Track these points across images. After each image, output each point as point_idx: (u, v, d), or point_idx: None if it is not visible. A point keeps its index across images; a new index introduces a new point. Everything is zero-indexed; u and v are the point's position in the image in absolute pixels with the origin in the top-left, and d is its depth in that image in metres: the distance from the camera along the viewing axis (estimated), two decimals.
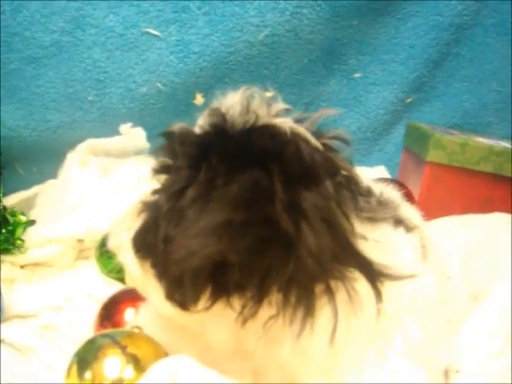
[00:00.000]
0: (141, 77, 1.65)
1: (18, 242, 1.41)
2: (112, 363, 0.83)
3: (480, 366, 0.98)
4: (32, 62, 1.59)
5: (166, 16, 1.62)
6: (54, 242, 1.43)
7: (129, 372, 0.82)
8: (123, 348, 0.84)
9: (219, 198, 0.69)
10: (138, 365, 0.83)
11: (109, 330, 0.96)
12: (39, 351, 1.11)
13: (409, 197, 1.54)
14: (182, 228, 0.70)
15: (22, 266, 1.44)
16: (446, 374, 0.99)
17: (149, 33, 1.63)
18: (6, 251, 1.40)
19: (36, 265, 1.45)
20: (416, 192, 1.61)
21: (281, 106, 0.82)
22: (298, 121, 0.80)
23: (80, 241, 1.48)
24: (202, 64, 1.65)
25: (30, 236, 1.44)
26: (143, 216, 0.81)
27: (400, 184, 1.59)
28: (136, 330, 0.91)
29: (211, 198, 0.69)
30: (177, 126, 0.84)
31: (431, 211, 1.48)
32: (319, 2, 1.65)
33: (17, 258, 1.41)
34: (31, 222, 1.48)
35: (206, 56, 1.64)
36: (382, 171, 1.80)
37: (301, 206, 0.68)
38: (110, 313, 1.15)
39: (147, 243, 0.77)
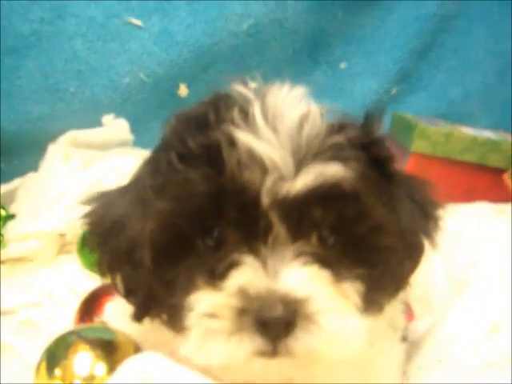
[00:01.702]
0: (123, 67, 1.63)
1: None
2: (81, 360, 0.82)
3: (462, 356, 0.98)
4: (11, 52, 1.56)
5: (149, 6, 1.60)
6: (35, 236, 1.41)
7: (100, 368, 0.81)
8: (91, 344, 0.83)
9: None
10: (109, 360, 0.81)
11: (76, 327, 0.95)
12: (18, 349, 1.10)
13: None
14: None
15: (1, 262, 1.41)
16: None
17: (131, 23, 1.61)
18: None
19: (16, 260, 1.43)
20: None
21: None
22: None
23: (62, 235, 1.46)
24: (185, 54, 1.63)
25: (9, 230, 1.42)
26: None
27: None
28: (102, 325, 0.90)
29: None
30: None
31: None
32: None
33: None
34: (11, 217, 1.46)
35: (190, 46, 1.63)
36: None
37: None
38: (90, 308, 1.14)
39: None
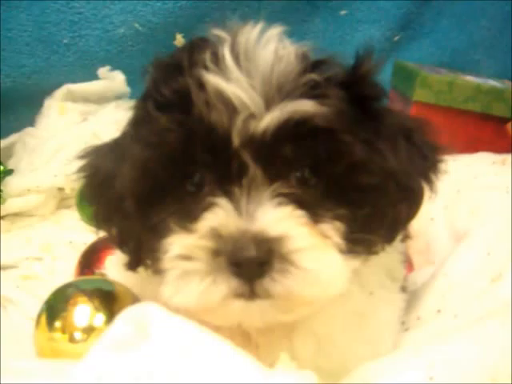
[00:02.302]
0: (117, 17, 1.59)
1: None
2: (80, 312, 0.83)
3: (460, 307, 0.98)
4: (2, 4, 1.52)
5: None
6: (34, 191, 1.42)
7: (98, 319, 0.83)
8: (90, 295, 0.84)
9: None
10: (108, 311, 0.83)
11: (74, 279, 0.96)
12: (18, 301, 1.11)
13: None
14: None
15: (1, 217, 1.42)
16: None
17: None
18: None
19: (16, 215, 1.43)
20: None
21: None
22: None
23: (60, 189, 1.46)
24: (181, 3, 1.59)
25: (8, 186, 1.42)
26: None
27: None
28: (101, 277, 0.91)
29: None
30: None
31: None
32: None
33: None
34: (9, 172, 1.46)
35: None
36: None
37: None
38: (89, 261, 1.15)
39: None
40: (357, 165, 0.71)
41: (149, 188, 0.71)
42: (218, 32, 0.75)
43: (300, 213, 0.68)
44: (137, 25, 1.60)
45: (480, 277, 1.02)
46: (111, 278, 0.92)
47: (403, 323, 0.99)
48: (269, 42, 0.72)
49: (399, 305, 0.90)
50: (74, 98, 1.61)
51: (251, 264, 0.64)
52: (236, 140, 0.67)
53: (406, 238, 0.98)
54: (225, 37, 0.73)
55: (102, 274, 0.96)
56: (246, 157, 0.68)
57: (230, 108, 0.67)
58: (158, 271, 0.71)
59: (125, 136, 0.79)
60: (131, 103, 1.60)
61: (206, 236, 0.66)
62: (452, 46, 1.80)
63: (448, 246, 1.17)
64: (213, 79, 0.68)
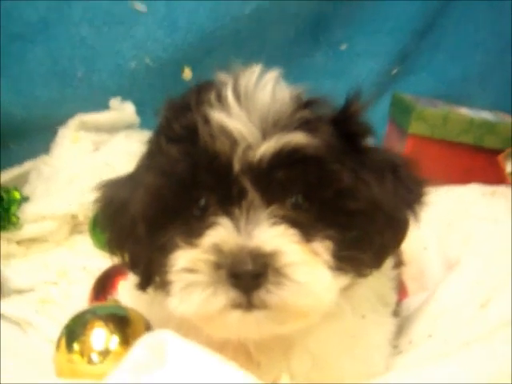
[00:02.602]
0: (129, 52, 1.67)
1: (14, 218, 1.46)
2: (97, 336, 0.89)
3: (451, 331, 1.04)
4: (19, 39, 1.61)
5: None
6: (49, 217, 1.48)
7: (114, 342, 0.89)
8: (106, 321, 0.91)
9: None
10: (122, 334, 0.90)
11: (91, 306, 1.03)
12: (38, 324, 1.18)
13: None
14: None
15: (17, 242, 1.48)
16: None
17: (136, 8, 1.64)
18: (2, 228, 1.45)
19: (32, 240, 1.50)
20: None
21: None
22: None
23: (74, 216, 1.53)
24: (189, 38, 1.67)
25: (25, 213, 1.48)
26: None
27: None
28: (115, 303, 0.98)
29: None
30: None
31: None
32: None
33: (12, 235, 1.46)
34: (25, 199, 1.52)
35: (193, 31, 1.67)
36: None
37: None
38: (103, 286, 1.22)
39: None
40: (344, 191, 0.79)
41: (159, 212, 0.80)
42: (221, 76, 0.83)
43: (293, 231, 0.76)
44: (147, 59, 1.68)
45: (469, 303, 1.08)
46: (124, 304, 0.98)
47: (396, 347, 1.06)
48: (266, 84, 0.81)
49: (390, 328, 0.96)
50: (86, 127, 1.68)
51: (248, 276, 0.72)
52: (236, 167, 0.76)
53: (400, 264, 1.06)
54: (228, 79, 0.82)
55: (115, 301, 1.02)
56: (246, 182, 0.76)
57: (232, 140, 0.76)
58: (165, 286, 0.79)
59: (138, 168, 0.88)
60: (141, 133, 1.70)
61: (209, 251, 0.74)
62: (448, 79, 1.87)
63: (440, 273, 1.23)
64: (216, 115, 0.77)
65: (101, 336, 0.90)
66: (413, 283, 1.27)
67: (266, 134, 0.76)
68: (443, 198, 1.35)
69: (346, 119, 0.83)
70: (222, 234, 0.75)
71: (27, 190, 1.60)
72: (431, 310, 1.08)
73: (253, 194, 0.77)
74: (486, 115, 1.68)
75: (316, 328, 0.84)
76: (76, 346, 0.90)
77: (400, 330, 1.07)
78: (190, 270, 0.74)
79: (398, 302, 1.05)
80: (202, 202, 0.79)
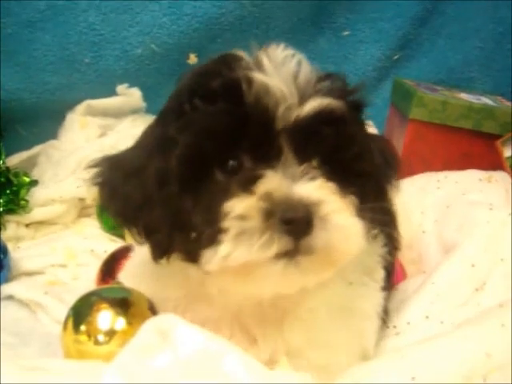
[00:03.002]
0: (135, 39, 1.70)
1: (23, 202, 1.50)
2: (103, 317, 0.93)
3: (446, 313, 1.09)
4: (29, 25, 1.64)
5: None
6: (58, 201, 1.53)
7: (119, 323, 0.93)
8: (111, 302, 0.94)
9: None
10: (127, 315, 0.93)
11: (96, 288, 1.06)
12: (47, 306, 1.21)
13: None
14: None
15: (26, 225, 1.53)
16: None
17: None
18: (11, 211, 1.50)
19: (40, 223, 1.54)
20: (400, 147, 1.68)
21: None
22: None
23: (81, 199, 1.57)
24: (194, 25, 1.70)
25: (33, 196, 1.53)
26: None
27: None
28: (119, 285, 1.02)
29: None
30: None
31: (414, 166, 1.58)
32: None
33: (22, 218, 1.51)
34: (34, 183, 1.56)
35: (199, 17, 1.70)
36: (369, 126, 1.85)
37: None
38: (110, 268, 1.26)
39: None
40: (360, 153, 0.86)
41: (193, 168, 0.82)
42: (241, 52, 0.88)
43: (329, 185, 0.82)
44: (153, 45, 1.71)
45: (464, 286, 1.13)
46: (127, 286, 1.02)
47: (395, 327, 1.11)
48: (292, 56, 0.86)
49: (379, 301, 1.00)
50: (93, 112, 1.72)
51: (301, 222, 0.77)
52: (278, 125, 0.81)
53: (396, 248, 1.10)
54: (257, 51, 0.87)
55: (118, 283, 1.06)
56: (283, 140, 0.81)
57: (274, 99, 0.80)
58: (209, 238, 0.79)
59: (153, 134, 0.89)
60: (147, 117, 1.74)
61: (262, 198, 0.78)
62: (448, 65, 1.90)
63: (438, 256, 1.27)
64: (260, 76, 0.81)
65: (106, 317, 0.93)
66: (411, 266, 1.31)
67: (302, 97, 0.81)
68: (441, 184, 1.39)
69: (353, 91, 0.89)
70: (273, 183, 0.79)
71: (36, 174, 1.65)
72: (428, 293, 1.13)
73: (288, 151, 0.81)
74: (486, 100, 1.71)
75: (308, 297, 0.89)
76: (83, 327, 0.93)
77: (398, 311, 1.13)
78: (243, 217, 0.77)
79: (389, 280, 1.09)
80: (241, 157, 0.82)
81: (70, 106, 1.69)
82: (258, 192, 0.78)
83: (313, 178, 0.80)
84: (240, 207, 0.78)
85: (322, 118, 0.82)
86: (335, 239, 0.79)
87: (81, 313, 0.95)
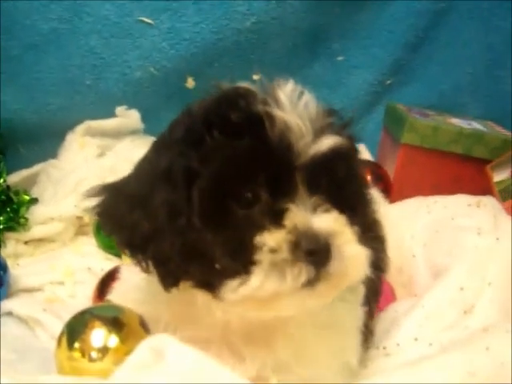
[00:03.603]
0: (135, 62, 1.75)
1: (22, 220, 1.53)
2: (96, 335, 0.95)
3: (435, 336, 1.12)
4: (32, 48, 1.69)
5: (159, 5, 1.72)
6: (57, 219, 1.56)
7: (112, 341, 0.95)
8: (103, 320, 0.97)
9: None
10: (119, 332, 0.95)
11: (89, 307, 1.07)
12: (45, 323, 1.24)
13: (385, 177, 1.67)
14: None
15: (25, 243, 1.56)
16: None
17: (142, 21, 1.72)
18: (11, 229, 1.52)
19: (39, 241, 1.57)
20: (392, 171, 1.72)
21: None
22: None
23: (79, 217, 1.60)
24: (192, 50, 1.75)
25: (33, 214, 1.56)
26: None
27: (378, 166, 1.72)
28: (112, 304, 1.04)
29: None
30: None
31: (405, 189, 1.62)
32: None
33: (21, 235, 1.54)
34: (34, 201, 1.59)
35: (197, 42, 1.75)
36: (362, 150, 1.90)
37: None
38: (106, 287, 1.27)
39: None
40: (363, 183, 0.94)
41: (216, 203, 0.84)
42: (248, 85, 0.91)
43: (341, 216, 0.87)
44: (152, 69, 1.75)
45: (453, 309, 1.16)
46: (119, 304, 1.04)
47: (384, 348, 1.14)
48: (302, 93, 0.89)
49: (358, 316, 1.04)
50: (93, 133, 1.76)
51: (321, 253, 0.83)
52: (297, 161, 0.84)
53: (382, 270, 1.16)
54: (270, 86, 0.89)
55: (109, 301, 1.08)
56: (298, 174, 0.85)
57: (294, 137, 0.84)
58: (235, 271, 0.82)
59: (159, 163, 0.88)
60: (145, 138, 1.77)
61: (291, 231, 0.82)
62: (439, 90, 1.95)
63: (427, 280, 1.30)
64: (281, 113, 0.84)
65: (99, 335, 0.95)
66: (402, 289, 1.34)
67: (316, 134, 0.85)
68: (431, 208, 1.42)
69: (348, 125, 0.94)
70: (299, 216, 0.83)
71: (36, 192, 1.68)
72: (418, 315, 1.16)
73: (302, 185, 0.85)
74: (477, 125, 1.75)
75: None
76: (76, 345, 0.96)
77: (388, 332, 1.16)
78: (274, 250, 0.82)
79: (375, 300, 1.15)
80: (257, 190, 0.85)
81: (71, 126, 1.73)
82: (287, 226, 0.83)
83: (327, 210, 0.86)
84: (272, 240, 0.82)
85: (334, 154, 0.86)
86: (348, 267, 0.85)
87: (74, 330, 0.98)
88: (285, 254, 0.81)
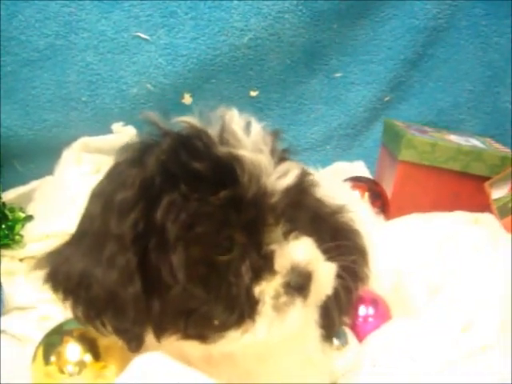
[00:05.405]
0: (131, 78, 1.75)
1: (17, 237, 1.53)
2: (72, 349, 0.96)
3: (432, 354, 1.10)
4: (28, 64, 1.69)
5: (155, 21, 1.72)
6: (51, 236, 1.54)
7: (88, 356, 0.96)
8: (79, 335, 0.97)
9: None
10: (97, 347, 0.96)
11: (64, 321, 1.05)
12: (37, 341, 1.19)
13: (382, 195, 1.66)
14: None
15: (20, 260, 1.55)
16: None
17: (139, 36, 1.73)
18: (6, 246, 1.52)
19: (34, 258, 1.54)
20: (390, 188, 1.71)
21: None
22: None
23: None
24: (189, 66, 1.75)
25: (28, 231, 1.55)
26: None
27: (375, 183, 1.71)
28: None
29: None
30: None
31: (403, 206, 1.60)
32: (300, 7, 1.75)
33: (16, 252, 1.53)
34: (29, 218, 1.59)
35: (194, 58, 1.74)
36: (360, 166, 1.90)
37: None
38: None
39: None
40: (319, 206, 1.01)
41: (199, 263, 0.81)
42: (193, 120, 0.87)
43: (308, 239, 0.89)
44: (149, 85, 1.75)
45: (450, 328, 1.14)
46: None
47: (379, 366, 1.12)
48: (249, 122, 0.87)
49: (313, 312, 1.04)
50: (89, 149, 1.74)
51: (308, 282, 0.85)
52: (269, 200, 0.83)
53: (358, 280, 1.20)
54: (218, 121, 0.85)
55: None
56: (264, 208, 0.83)
57: (263, 175, 0.82)
58: (235, 322, 0.82)
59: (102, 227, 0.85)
60: None
61: (284, 274, 0.84)
62: (438, 107, 1.94)
63: (424, 298, 1.28)
64: (245, 153, 0.82)
65: (75, 349, 0.96)
66: (398, 308, 1.32)
67: (277, 165, 0.85)
68: (428, 225, 1.41)
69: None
70: (285, 257, 0.85)
71: (31, 209, 1.66)
72: (414, 333, 1.14)
73: (275, 221, 0.86)
74: (475, 142, 1.74)
75: None
76: (52, 358, 0.97)
77: (383, 352, 1.14)
78: (275, 296, 0.84)
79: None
80: (232, 234, 0.83)
81: (67, 142, 1.71)
82: (279, 271, 0.84)
83: (296, 237, 0.87)
84: (271, 289, 0.84)
85: (298, 182, 0.87)
86: (321, 287, 0.89)
87: (50, 345, 0.99)
88: (283, 297, 0.84)
